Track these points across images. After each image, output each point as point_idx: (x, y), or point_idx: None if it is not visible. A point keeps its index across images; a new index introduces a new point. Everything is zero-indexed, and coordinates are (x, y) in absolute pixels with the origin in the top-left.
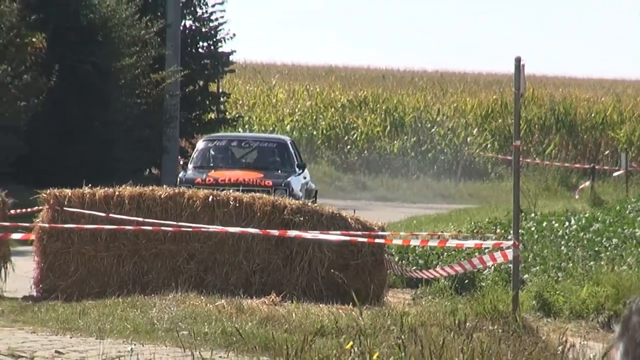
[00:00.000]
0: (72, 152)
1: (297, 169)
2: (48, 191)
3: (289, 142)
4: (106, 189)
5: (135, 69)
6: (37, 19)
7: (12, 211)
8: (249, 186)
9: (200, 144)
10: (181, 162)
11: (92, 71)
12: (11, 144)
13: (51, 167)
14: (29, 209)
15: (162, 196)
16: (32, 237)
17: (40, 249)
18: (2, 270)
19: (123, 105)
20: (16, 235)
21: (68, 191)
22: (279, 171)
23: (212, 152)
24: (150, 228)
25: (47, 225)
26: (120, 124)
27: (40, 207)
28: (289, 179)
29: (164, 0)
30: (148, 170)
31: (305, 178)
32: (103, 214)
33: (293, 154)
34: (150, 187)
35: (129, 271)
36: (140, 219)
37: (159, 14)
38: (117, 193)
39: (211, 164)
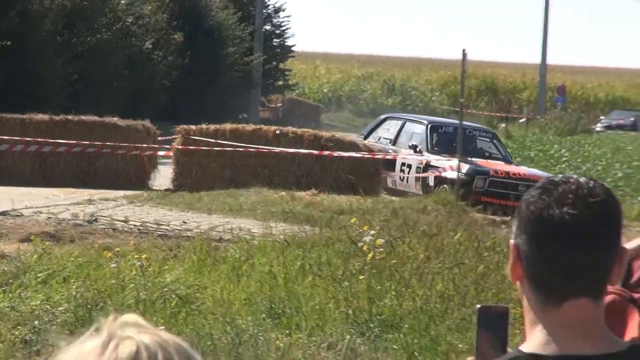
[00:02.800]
0: (197, 104)
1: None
2: (181, 126)
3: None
4: (216, 125)
5: (236, 55)
6: (177, 24)
7: (160, 138)
8: (529, 181)
9: (428, 129)
10: (417, 149)
11: (211, 56)
12: (160, 99)
13: (187, 112)
14: (169, 137)
15: (249, 130)
16: (171, 154)
17: (175, 161)
18: (153, 173)
19: (229, 77)
20: (161, 152)
21: (192, 126)
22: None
23: (447, 138)
24: (241, 149)
25: (180, 146)
26: (226, 87)
27: (176, 136)
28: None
29: (254, 13)
30: (242, 114)
31: None
32: (213, 140)
33: None
34: (242, 125)
35: (228, 175)
36: (236, 144)
37: (250, 22)
38: (222, 128)
39: (448, 151)
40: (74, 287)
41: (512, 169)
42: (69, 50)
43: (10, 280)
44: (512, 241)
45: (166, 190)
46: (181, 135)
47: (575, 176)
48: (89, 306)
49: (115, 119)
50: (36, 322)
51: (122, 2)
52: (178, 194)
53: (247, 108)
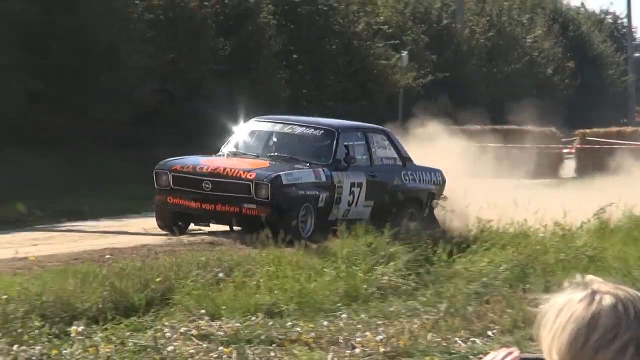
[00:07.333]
0: (588, 112)
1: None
2: (578, 130)
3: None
4: (605, 128)
5: (614, 76)
6: (569, 55)
7: (563, 139)
8: (223, 177)
9: (243, 126)
10: None
11: (596, 78)
12: (560, 111)
13: (582, 119)
14: (570, 138)
15: (629, 131)
16: (572, 151)
17: (576, 156)
18: (560, 165)
19: (610, 93)
20: (565, 150)
21: (587, 130)
22: (306, 163)
23: (249, 137)
24: (630, 146)
25: (579, 145)
26: (608, 100)
27: (575, 138)
28: (279, 173)
29: (626, 45)
30: (623, 119)
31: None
32: (604, 140)
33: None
34: (624, 127)
35: (616, 166)
36: (622, 141)
37: (624, 51)
38: (609, 130)
39: (238, 150)
40: (510, 252)
41: (214, 162)
42: (490, 77)
43: (463, 246)
44: None
45: (571, 177)
46: (579, 137)
47: None
48: (521, 266)
49: (529, 126)
50: (484, 279)
51: (529, 40)
52: (580, 180)
53: (625, 114)
